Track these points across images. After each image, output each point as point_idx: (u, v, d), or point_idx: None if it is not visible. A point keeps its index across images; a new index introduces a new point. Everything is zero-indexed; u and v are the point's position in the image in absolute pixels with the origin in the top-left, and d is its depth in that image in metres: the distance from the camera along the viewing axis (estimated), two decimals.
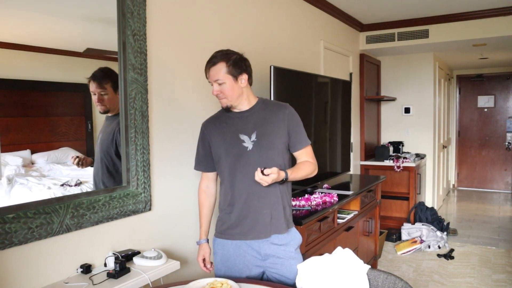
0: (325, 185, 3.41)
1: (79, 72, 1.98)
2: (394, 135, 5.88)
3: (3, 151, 1.76)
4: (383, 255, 4.38)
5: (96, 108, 1.99)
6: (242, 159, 1.89)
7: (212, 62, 1.84)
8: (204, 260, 2.05)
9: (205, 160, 2.03)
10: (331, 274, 1.88)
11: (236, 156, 1.89)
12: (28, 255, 1.66)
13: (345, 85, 3.87)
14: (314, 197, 2.82)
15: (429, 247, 4.40)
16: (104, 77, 1.95)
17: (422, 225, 4.55)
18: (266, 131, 1.89)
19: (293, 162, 2.05)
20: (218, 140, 1.94)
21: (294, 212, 2.57)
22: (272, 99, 2.62)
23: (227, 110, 1.92)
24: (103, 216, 1.93)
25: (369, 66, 5.49)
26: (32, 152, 1.87)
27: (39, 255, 1.70)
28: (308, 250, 2.49)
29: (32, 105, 1.84)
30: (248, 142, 1.89)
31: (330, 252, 2.77)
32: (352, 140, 5.04)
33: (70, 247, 1.82)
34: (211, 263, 2.06)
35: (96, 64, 2.02)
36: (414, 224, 4.68)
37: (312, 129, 3.20)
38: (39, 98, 1.86)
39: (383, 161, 5.24)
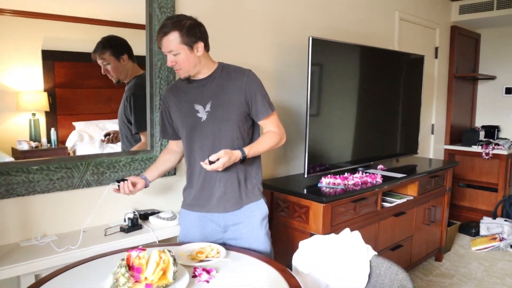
0: (380, 166, 3.19)
1: None
2: (491, 118, 5.19)
3: (105, 119, 2.10)
4: (455, 248, 3.99)
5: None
6: (197, 130, 1.81)
7: (163, 31, 1.68)
8: (130, 184, 1.82)
9: (171, 128, 1.96)
10: (331, 255, 1.80)
11: (191, 127, 1.82)
12: (50, 203, 1.90)
13: (416, 61, 3.53)
14: (353, 177, 2.67)
15: (511, 246, 3.88)
16: (102, 47, 1.96)
17: (505, 221, 4.01)
18: (221, 101, 1.79)
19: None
20: (175, 111, 1.87)
21: (327, 190, 2.48)
22: (309, 74, 2.50)
23: (186, 79, 1.82)
24: (123, 175, 2.08)
25: (464, 40, 4.89)
26: None
27: (61, 204, 1.93)
28: (335, 230, 2.39)
29: None
30: (202, 113, 1.80)
31: (370, 236, 2.64)
32: (433, 121, 4.62)
33: (91, 201, 2.01)
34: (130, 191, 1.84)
35: None
36: (496, 219, 4.14)
37: (360, 107, 3.01)
38: None
39: (470, 146, 4.69)
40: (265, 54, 2.73)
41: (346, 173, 2.73)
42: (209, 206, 1.87)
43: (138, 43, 2.13)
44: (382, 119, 3.23)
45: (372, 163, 3.14)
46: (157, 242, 1.98)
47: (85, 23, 1.93)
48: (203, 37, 1.75)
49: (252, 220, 1.88)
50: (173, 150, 2.02)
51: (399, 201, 2.93)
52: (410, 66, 3.48)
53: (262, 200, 1.93)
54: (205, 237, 1.90)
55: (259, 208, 1.90)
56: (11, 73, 1.75)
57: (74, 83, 1.95)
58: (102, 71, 2.02)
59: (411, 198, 3.07)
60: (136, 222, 2.00)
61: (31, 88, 1.81)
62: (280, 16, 2.80)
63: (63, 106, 1.91)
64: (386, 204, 2.84)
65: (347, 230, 1.88)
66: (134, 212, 2.05)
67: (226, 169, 1.76)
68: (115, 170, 2.06)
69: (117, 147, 2.14)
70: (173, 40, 1.68)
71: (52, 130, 1.89)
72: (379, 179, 2.72)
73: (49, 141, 1.88)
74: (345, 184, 2.57)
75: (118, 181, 1.84)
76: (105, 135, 2.13)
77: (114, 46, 2.03)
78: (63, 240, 1.83)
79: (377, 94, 3.14)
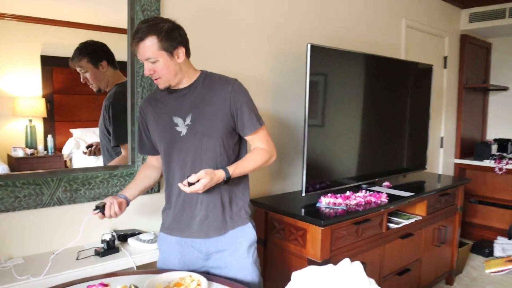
0: (386, 183, 2.97)
1: None
2: (503, 131, 4.95)
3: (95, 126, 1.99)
4: (467, 270, 3.74)
5: None
6: (176, 146, 1.61)
7: (138, 37, 1.49)
8: (116, 204, 1.60)
9: (149, 142, 1.76)
10: None
11: (169, 142, 1.62)
12: (16, 222, 1.71)
13: (425, 71, 3.32)
14: (356, 196, 2.46)
15: None
16: (78, 54, 1.84)
17: None
18: (203, 113, 1.59)
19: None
20: (152, 123, 1.68)
21: (327, 210, 2.27)
22: (307, 85, 2.30)
23: (166, 89, 1.63)
24: (100, 193, 1.90)
25: (474, 49, 4.68)
26: None
27: (28, 224, 1.75)
28: (335, 256, 2.18)
29: None
30: (182, 126, 1.61)
31: (374, 260, 2.42)
32: (443, 134, 4.40)
33: (63, 221, 1.83)
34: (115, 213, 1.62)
35: None
36: (511, 239, 3.89)
37: (364, 120, 2.81)
38: None
39: (482, 160, 4.45)
40: (260, 63, 2.54)
41: (348, 192, 2.51)
42: (189, 230, 1.66)
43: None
44: (387, 133, 3.02)
45: (377, 180, 2.92)
46: (135, 269, 1.78)
47: (85, 29, 1.86)
48: (183, 42, 1.57)
49: (238, 247, 1.66)
50: (153, 165, 1.83)
51: (406, 222, 2.70)
52: (418, 76, 3.27)
53: (250, 224, 1.71)
54: (186, 265, 1.69)
55: (246, 234, 1.69)
56: (8, 77, 1.68)
57: (73, 89, 1.89)
58: (81, 80, 1.88)
59: (420, 218, 2.84)
60: (113, 245, 1.81)
61: (28, 94, 1.75)
62: (278, 22, 2.62)
63: (61, 113, 1.85)
64: (392, 225, 2.62)
65: (347, 260, 1.66)
66: (111, 232, 1.86)
67: (209, 189, 1.56)
68: (90, 187, 1.87)
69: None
70: (150, 46, 1.50)
71: (49, 137, 1.81)
72: (384, 199, 2.50)
73: (45, 148, 1.81)
74: (346, 204, 2.36)
75: (98, 207, 1.61)
76: (87, 147, 1.97)
77: (91, 52, 1.88)
78: (30, 264, 1.65)
79: (382, 105, 2.94)
